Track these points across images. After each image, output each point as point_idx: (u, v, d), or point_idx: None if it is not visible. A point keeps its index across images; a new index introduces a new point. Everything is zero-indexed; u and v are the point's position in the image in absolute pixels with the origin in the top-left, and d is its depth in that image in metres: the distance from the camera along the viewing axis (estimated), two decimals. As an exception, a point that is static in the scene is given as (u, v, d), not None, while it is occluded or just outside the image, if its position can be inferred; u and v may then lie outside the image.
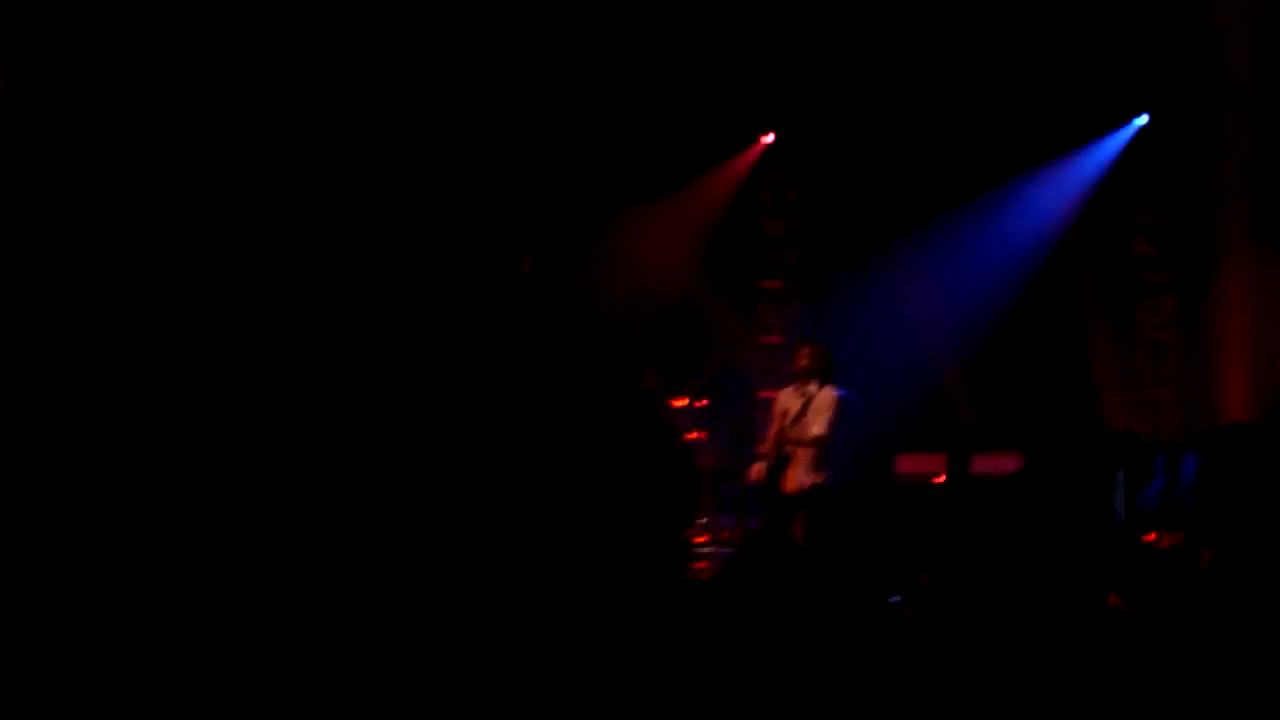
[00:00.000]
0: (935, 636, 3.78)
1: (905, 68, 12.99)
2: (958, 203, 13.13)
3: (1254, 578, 3.66)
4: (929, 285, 13.27)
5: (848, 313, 13.12)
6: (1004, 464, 11.66)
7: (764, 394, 10.50)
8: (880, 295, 13.22)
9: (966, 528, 3.88)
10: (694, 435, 12.72)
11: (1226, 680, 3.20)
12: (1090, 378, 12.58)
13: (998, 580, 3.89)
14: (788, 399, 10.21)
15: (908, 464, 11.88)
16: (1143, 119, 13.30)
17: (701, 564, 11.21)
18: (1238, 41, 12.45)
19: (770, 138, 14.04)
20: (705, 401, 12.26)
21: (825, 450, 10.02)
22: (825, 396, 10.09)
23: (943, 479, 11.74)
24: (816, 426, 9.99)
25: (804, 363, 10.13)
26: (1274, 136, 12.55)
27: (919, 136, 13.03)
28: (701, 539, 12.62)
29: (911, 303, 13.24)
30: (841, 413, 10.10)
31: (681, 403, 11.95)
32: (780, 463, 10.03)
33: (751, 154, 14.10)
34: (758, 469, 10.15)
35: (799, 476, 10.01)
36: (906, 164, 13.08)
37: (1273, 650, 3.22)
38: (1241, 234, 12.80)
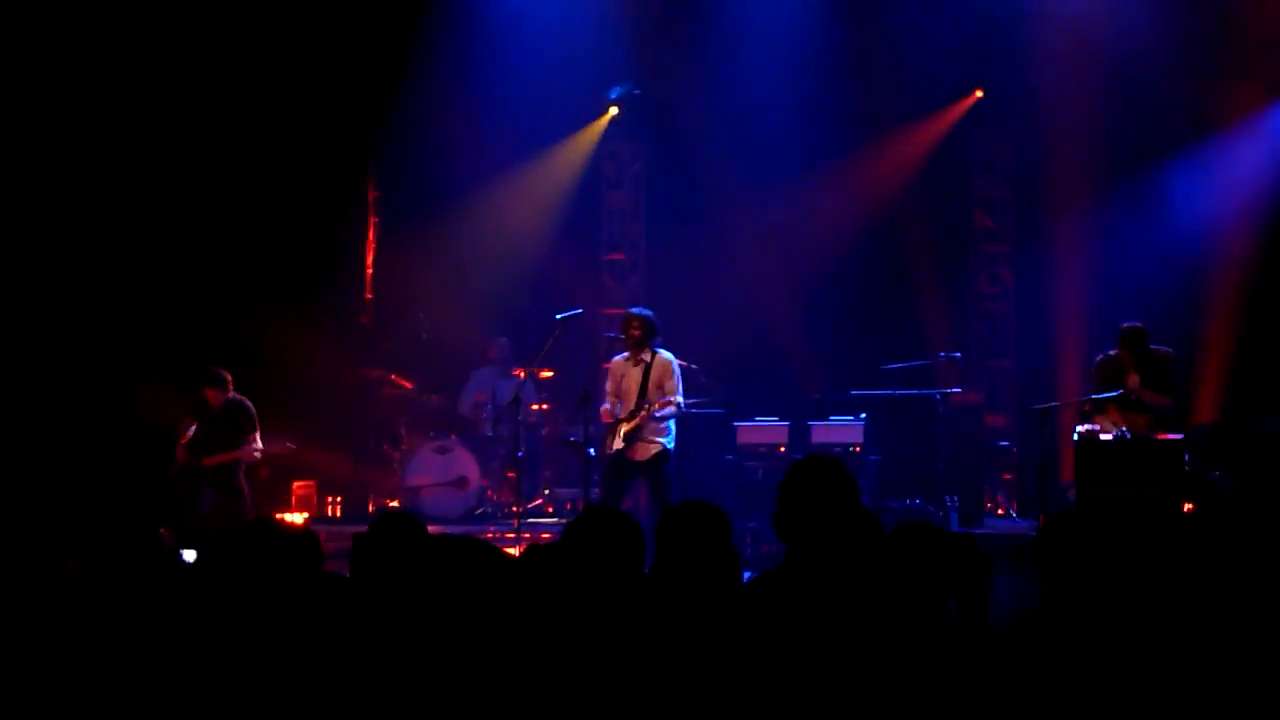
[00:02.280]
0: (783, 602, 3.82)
1: (743, 40, 13.07)
2: (796, 175, 13.20)
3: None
4: (767, 256, 13.33)
5: (688, 284, 13.14)
6: (845, 433, 11.81)
7: (607, 365, 10.47)
8: (720, 266, 13.26)
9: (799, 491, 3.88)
10: (538, 406, 12.73)
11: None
12: (926, 348, 12.72)
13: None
14: (623, 369, 10.29)
15: (750, 434, 11.93)
16: (978, 94, 13.48)
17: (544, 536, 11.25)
18: (1068, 15, 12.66)
19: (614, 110, 13.99)
20: (550, 372, 12.25)
21: (676, 415, 10.12)
22: (664, 362, 10.16)
23: (782, 448, 11.85)
24: (672, 391, 10.06)
25: (636, 332, 10.16)
26: (1109, 113, 12.79)
27: (760, 107, 13.09)
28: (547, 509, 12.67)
29: (752, 274, 13.29)
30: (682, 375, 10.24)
31: (525, 373, 11.94)
32: (623, 431, 10.07)
33: (598, 126, 14.04)
34: (609, 438, 10.15)
35: (644, 444, 10.08)
36: (748, 136, 13.13)
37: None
38: (1077, 208, 13.02)
